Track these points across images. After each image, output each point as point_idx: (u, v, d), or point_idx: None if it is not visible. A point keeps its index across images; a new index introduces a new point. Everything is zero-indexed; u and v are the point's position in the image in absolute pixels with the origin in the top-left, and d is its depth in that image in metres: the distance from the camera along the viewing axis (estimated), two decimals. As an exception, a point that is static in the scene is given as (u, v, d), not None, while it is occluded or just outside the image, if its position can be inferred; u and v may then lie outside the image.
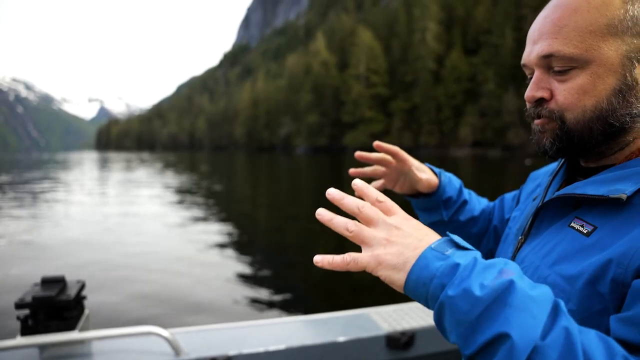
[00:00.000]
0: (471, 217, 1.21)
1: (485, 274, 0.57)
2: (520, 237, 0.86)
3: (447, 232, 0.66)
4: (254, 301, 5.00)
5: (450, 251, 0.61)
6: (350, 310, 2.07)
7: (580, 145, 0.77)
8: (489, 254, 1.26)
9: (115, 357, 1.57)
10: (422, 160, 1.15)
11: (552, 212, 0.81)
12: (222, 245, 7.65)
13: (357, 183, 0.70)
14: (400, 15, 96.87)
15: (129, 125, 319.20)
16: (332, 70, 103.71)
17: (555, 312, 0.55)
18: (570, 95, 0.75)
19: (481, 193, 1.36)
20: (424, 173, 1.15)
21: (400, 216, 0.67)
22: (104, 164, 46.48)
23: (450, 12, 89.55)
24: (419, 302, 0.61)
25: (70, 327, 1.50)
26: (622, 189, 0.67)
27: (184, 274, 5.98)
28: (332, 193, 0.65)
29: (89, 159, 70.66)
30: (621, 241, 0.63)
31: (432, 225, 1.23)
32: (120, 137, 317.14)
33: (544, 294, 0.57)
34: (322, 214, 0.65)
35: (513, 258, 0.85)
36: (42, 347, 1.51)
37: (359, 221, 0.65)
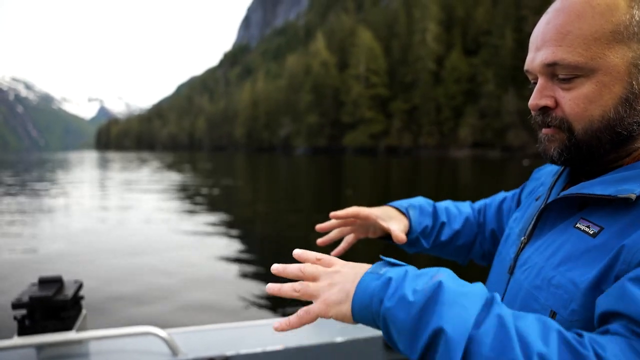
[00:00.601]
0: (453, 233, 1.20)
1: (417, 281, 0.62)
2: (523, 238, 0.86)
3: (380, 256, 0.71)
4: (253, 301, 4.99)
5: (384, 270, 0.66)
6: None
7: (588, 155, 0.76)
8: (485, 257, 1.25)
9: (112, 357, 1.57)
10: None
11: (557, 212, 0.80)
12: (220, 246, 7.63)
13: (295, 252, 0.79)
14: (400, 16, 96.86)
15: (129, 125, 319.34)
16: (332, 71, 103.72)
17: (488, 303, 0.58)
18: (576, 105, 0.74)
19: (481, 194, 1.35)
20: (391, 220, 1.11)
21: (339, 264, 0.73)
22: (103, 164, 46.45)
23: (450, 13, 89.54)
24: (371, 326, 0.65)
25: (68, 327, 1.49)
26: (631, 189, 0.66)
27: (181, 273, 5.97)
28: (276, 268, 0.74)
29: (88, 158, 70.64)
30: (627, 240, 0.63)
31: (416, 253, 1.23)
32: (120, 137, 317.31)
33: (475, 289, 0.60)
34: (270, 287, 0.70)
35: (516, 259, 0.85)
36: (39, 347, 1.51)
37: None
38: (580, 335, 0.57)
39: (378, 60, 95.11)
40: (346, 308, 0.66)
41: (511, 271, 0.84)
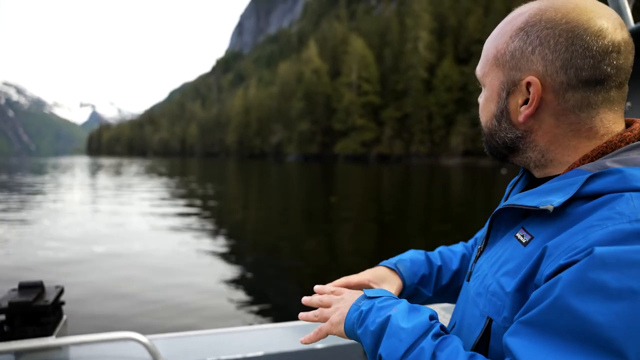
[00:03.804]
0: (453, 274, 1.21)
1: (379, 312, 0.78)
2: (479, 247, 0.91)
3: (363, 289, 0.90)
4: (234, 308, 5.01)
5: (362, 303, 0.84)
6: None
7: (494, 152, 0.88)
8: None
9: None
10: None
11: (505, 222, 0.84)
12: (203, 252, 7.60)
13: (316, 287, 1.00)
14: (393, 24, 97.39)
15: (121, 130, 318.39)
16: (324, 78, 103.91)
17: (423, 336, 0.73)
18: (479, 110, 0.87)
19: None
20: (384, 283, 1.13)
21: (345, 293, 0.94)
22: (94, 170, 45.95)
23: (442, 22, 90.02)
24: (358, 342, 0.83)
25: (47, 332, 1.48)
26: (552, 200, 0.70)
27: (164, 280, 6.00)
28: (305, 300, 0.96)
29: (78, 164, 70.05)
30: (549, 242, 0.67)
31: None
32: (111, 142, 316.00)
33: (417, 324, 0.74)
34: (301, 315, 0.95)
35: (472, 267, 0.90)
36: (18, 353, 1.48)
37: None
38: None
39: (370, 68, 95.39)
40: (342, 328, 0.86)
41: (469, 278, 0.89)
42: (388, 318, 0.76)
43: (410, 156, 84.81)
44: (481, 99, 0.85)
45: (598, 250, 0.59)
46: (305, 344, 0.91)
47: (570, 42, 0.72)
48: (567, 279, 0.60)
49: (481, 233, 1.25)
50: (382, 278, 1.14)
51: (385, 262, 1.20)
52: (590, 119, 0.75)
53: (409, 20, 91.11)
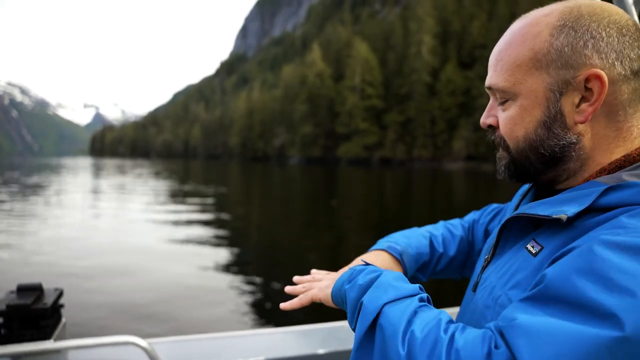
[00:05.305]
0: (449, 260, 1.20)
1: (371, 273, 0.78)
2: (486, 257, 0.89)
3: (361, 258, 0.98)
4: (234, 312, 4.99)
5: (356, 266, 0.86)
6: (331, 322, 2.02)
7: (524, 172, 0.81)
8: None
9: None
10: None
11: (515, 232, 0.82)
12: (204, 256, 7.58)
13: (312, 271, 1.04)
14: (396, 28, 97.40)
15: (124, 131, 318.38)
16: (328, 82, 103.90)
17: (409, 297, 0.71)
18: (505, 125, 0.80)
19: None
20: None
21: (333, 273, 0.99)
22: (96, 172, 46.03)
23: (446, 26, 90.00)
24: (341, 307, 0.84)
25: (46, 336, 1.47)
26: (565, 210, 0.68)
27: (164, 283, 5.98)
28: (295, 279, 1.00)
29: (81, 165, 70.20)
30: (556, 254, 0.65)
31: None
32: (114, 143, 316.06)
33: (408, 287, 0.73)
34: (287, 289, 0.97)
35: (479, 278, 0.87)
36: (16, 357, 1.45)
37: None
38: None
39: (373, 71, 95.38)
40: (329, 291, 0.86)
41: (475, 289, 0.86)
42: (379, 276, 0.76)
43: (412, 160, 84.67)
44: (509, 111, 0.79)
45: (602, 239, 0.59)
46: (286, 310, 0.89)
47: (620, 33, 0.71)
48: (566, 260, 0.60)
49: (480, 215, 1.26)
50: (384, 267, 1.09)
51: (389, 246, 1.15)
52: (631, 115, 0.74)
53: (413, 24, 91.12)
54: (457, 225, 1.27)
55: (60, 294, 1.61)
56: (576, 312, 0.55)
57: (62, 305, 1.61)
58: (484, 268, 0.87)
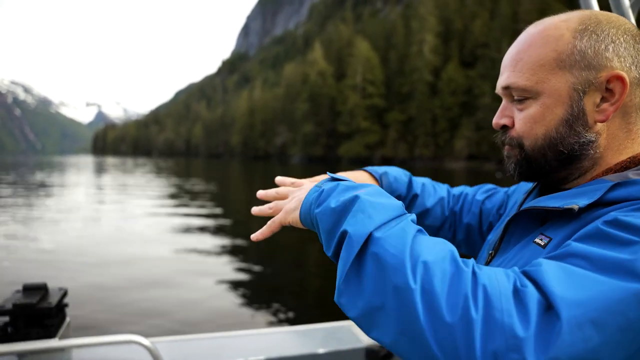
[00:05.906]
0: (423, 210, 1.19)
1: (344, 193, 0.71)
2: (490, 252, 0.89)
3: (327, 172, 0.84)
4: (236, 311, 5.04)
5: (324, 184, 0.78)
6: (330, 322, 2.05)
7: (538, 170, 0.82)
8: (456, 245, 1.21)
9: None
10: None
11: (521, 227, 0.83)
12: (206, 254, 7.64)
13: (277, 178, 0.97)
14: (398, 27, 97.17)
15: (126, 130, 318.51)
16: (329, 80, 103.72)
17: (397, 217, 0.66)
18: (524, 123, 0.81)
19: None
20: None
21: (306, 182, 0.91)
22: (99, 169, 46.15)
23: (448, 25, 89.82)
24: (312, 229, 0.77)
25: (51, 334, 1.49)
26: (577, 202, 0.70)
27: (167, 283, 6.01)
28: (259, 193, 0.91)
29: (83, 163, 70.37)
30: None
31: None
32: (116, 142, 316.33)
33: (390, 204, 0.67)
34: (254, 210, 0.89)
35: None
36: (21, 355, 1.49)
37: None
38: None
39: (375, 70, 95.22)
40: (296, 214, 0.80)
41: None
42: (356, 197, 0.68)
43: (414, 159, 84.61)
44: (530, 110, 0.80)
45: (612, 214, 0.63)
46: (257, 240, 0.85)
47: (635, 41, 0.75)
48: (580, 234, 0.63)
49: (474, 192, 1.25)
50: (361, 182, 1.04)
51: (369, 168, 1.17)
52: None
53: (415, 23, 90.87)
54: (442, 188, 1.27)
55: (65, 294, 1.64)
56: (601, 266, 0.55)
57: (66, 305, 1.63)
58: (487, 262, 0.88)
